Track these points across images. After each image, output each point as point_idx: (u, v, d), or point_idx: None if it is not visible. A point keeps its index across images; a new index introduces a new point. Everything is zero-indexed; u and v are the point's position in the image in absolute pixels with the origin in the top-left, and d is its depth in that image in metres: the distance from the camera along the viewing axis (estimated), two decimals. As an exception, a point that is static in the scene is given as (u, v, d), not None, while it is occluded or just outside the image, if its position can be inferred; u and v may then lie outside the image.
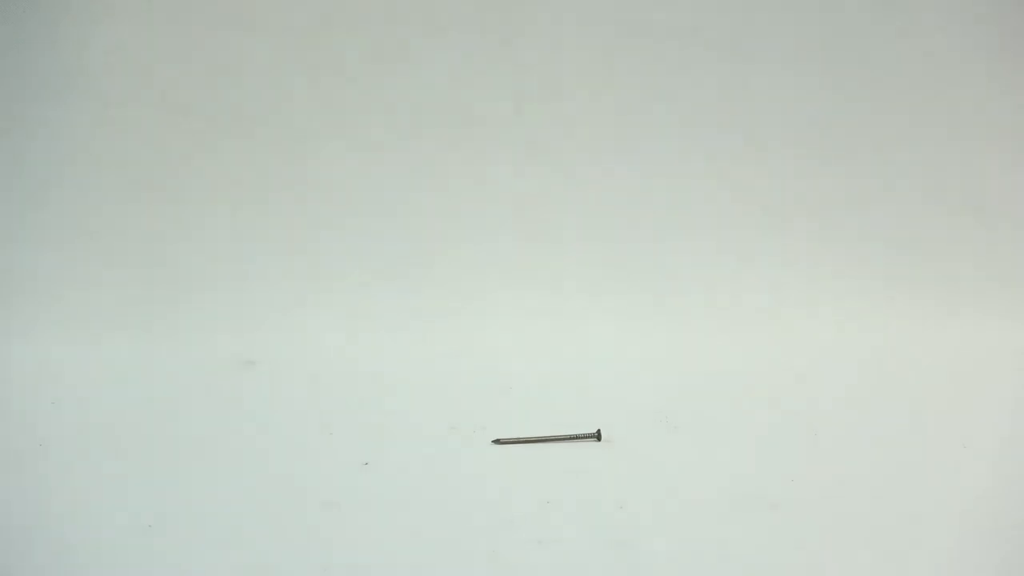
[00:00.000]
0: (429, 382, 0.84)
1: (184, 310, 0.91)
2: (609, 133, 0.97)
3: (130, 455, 0.67)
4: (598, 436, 0.70)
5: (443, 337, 0.92)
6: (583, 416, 0.72)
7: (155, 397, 0.80)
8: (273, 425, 0.73)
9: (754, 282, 0.97)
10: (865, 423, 0.76)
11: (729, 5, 0.96)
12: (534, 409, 0.77)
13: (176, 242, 0.93)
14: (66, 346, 0.88)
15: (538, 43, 0.96)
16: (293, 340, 0.90)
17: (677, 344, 0.92)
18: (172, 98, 0.93)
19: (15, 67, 0.91)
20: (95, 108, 0.92)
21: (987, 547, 0.57)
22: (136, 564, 0.53)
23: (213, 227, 0.94)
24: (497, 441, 0.69)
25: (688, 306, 0.96)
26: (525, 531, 0.57)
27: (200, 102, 0.93)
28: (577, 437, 0.70)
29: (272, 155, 0.94)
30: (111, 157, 0.93)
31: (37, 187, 0.92)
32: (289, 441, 0.70)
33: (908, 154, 0.99)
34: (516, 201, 0.97)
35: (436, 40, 0.95)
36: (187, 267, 0.93)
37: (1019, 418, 0.81)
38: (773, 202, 0.98)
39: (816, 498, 0.62)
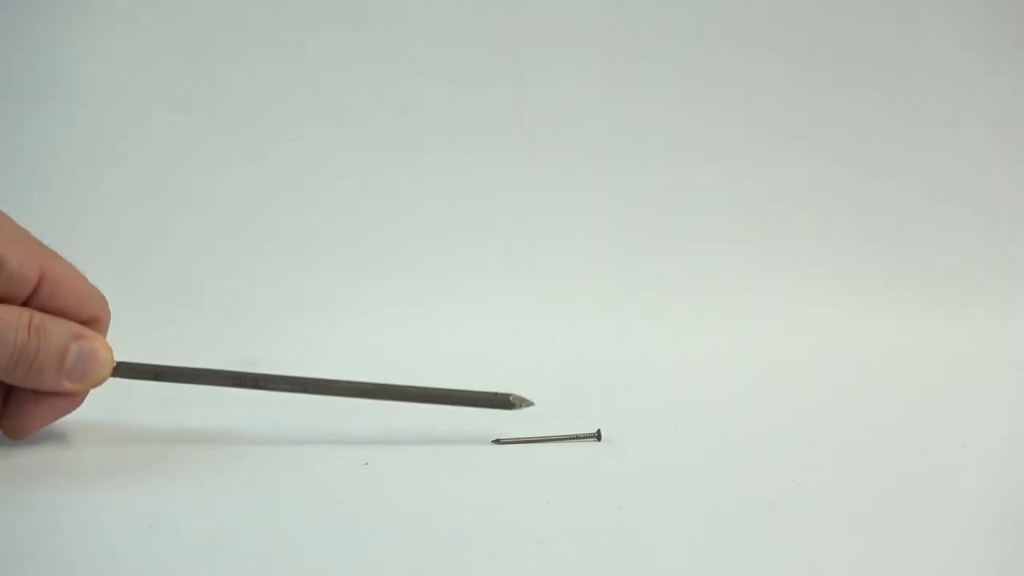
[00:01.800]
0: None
1: (184, 310, 0.91)
2: (609, 134, 0.97)
3: (129, 455, 0.67)
4: (598, 436, 0.70)
5: (443, 336, 0.92)
6: (583, 416, 0.72)
7: (155, 397, 0.80)
8: (273, 425, 0.73)
9: (754, 282, 0.97)
10: (865, 423, 0.76)
11: (729, 5, 0.97)
12: (534, 409, 0.77)
13: (176, 242, 0.93)
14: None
15: (538, 45, 0.96)
16: (293, 340, 0.90)
17: (677, 344, 0.92)
18: (172, 98, 0.93)
19: (14, 67, 0.91)
20: (95, 108, 0.92)
21: (987, 547, 0.57)
22: (136, 564, 0.53)
23: (213, 227, 0.94)
24: (497, 441, 0.69)
25: (689, 306, 0.96)
26: (525, 531, 0.57)
27: (200, 102, 0.93)
28: (577, 437, 0.70)
29: (273, 156, 0.94)
30: (110, 156, 0.93)
31: (36, 187, 0.92)
32: (289, 441, 0.70)
33: (908, 154, 0.99)
34: (516, 201, 0.97)
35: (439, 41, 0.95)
36: (187, 267, 0.93)
37: (1019, 418, 0.81)
38: (773, 202, 0.98)
39: (816, 498, 0.62)
